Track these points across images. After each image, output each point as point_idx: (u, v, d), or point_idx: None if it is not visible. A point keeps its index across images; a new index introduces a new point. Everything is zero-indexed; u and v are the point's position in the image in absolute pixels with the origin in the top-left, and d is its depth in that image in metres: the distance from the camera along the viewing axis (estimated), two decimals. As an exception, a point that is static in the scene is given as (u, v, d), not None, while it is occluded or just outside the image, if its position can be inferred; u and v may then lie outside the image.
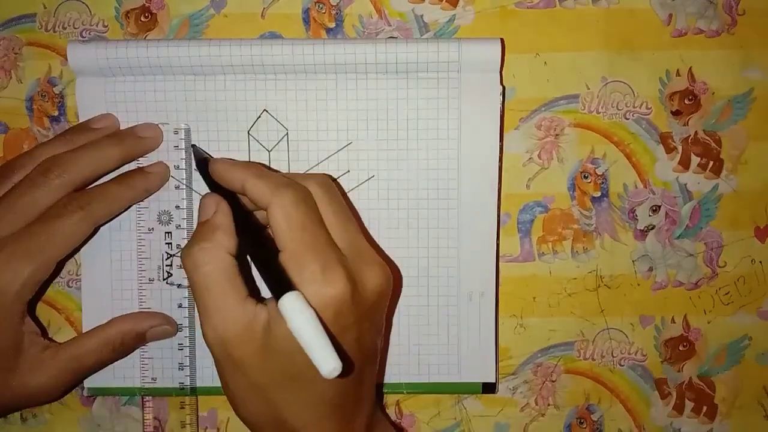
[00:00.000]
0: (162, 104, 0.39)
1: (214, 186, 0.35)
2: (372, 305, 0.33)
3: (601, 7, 0.41)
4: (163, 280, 0.39)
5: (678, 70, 0.41)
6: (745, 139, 0.41)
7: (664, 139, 0.41)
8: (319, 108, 0.39)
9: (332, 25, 0.40)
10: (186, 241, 0.39)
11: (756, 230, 0.41)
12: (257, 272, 0.32)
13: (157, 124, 0.39)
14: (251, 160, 0.39)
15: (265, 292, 0.32)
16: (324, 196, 0.33)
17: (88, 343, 0.37)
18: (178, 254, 0.39)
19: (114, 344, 0.37)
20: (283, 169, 0.40)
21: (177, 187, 0.39)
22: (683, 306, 0.42)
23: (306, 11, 0.40)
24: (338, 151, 0.39)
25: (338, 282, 0.31)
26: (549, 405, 0.42)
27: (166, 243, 0.39)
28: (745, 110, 0.41)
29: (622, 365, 0.42)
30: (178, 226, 0.39)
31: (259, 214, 0.35)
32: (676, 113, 0.41)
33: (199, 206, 0.34)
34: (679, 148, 0.41)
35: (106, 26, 0.40)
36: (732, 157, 0.41)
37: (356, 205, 0.40)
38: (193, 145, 0.39)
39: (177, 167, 0.39)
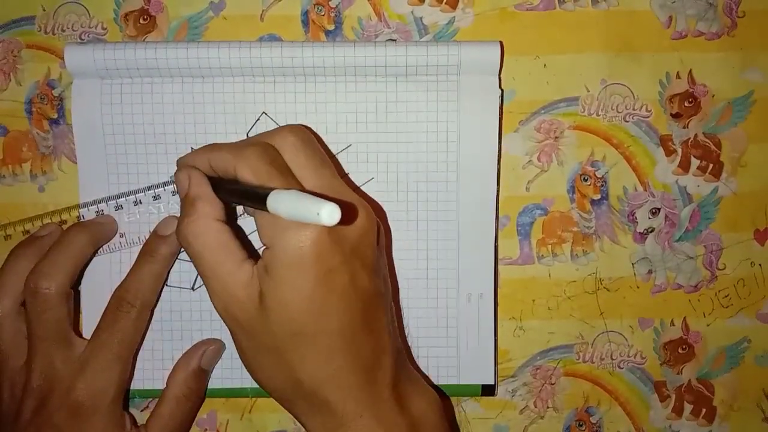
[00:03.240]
0: (159, 107, 0.39)
1: (224, 190, 0.34)
2: (356, 243, 0.31)
3: (601, 9, 0.40)
4: (193, 290, 0.40)
5: (678, 72, 0.41)
6: (745, 141, 0.41)
7: (664, 142, 0.41)
8: (319, 110, 0.39)
9: (331, 27, 0.40)
10: None
11: (756, 233, 0.41)
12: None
13: (108, 216, 0.39)
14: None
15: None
16: (294, 143, 0.32)
17: (165, 417, 0.38)
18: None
19: (185, 396, 0.38)
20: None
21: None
22: (682, 309, 0.42)
23: (305, 13, 0.40)
24: (338, 153, 0.39)
25: (312, 225, 0.29)
26: (548, 407, 0.42)
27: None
28: (745, 113, 0.41)
29: (622, 368, 0.42)
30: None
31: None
32: (675, 116, 0.41)
33: (175, 184, 0.35)
34: (679, 151, 0.41)
35: (105, 29, 0.40)
36: (732, 160, 0.41)
37: None
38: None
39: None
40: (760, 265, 0.41)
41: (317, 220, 0.26)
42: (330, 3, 0.40)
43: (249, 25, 0.40)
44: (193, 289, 0.40)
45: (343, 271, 0.31)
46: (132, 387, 0.40)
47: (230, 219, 0.33)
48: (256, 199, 0.30)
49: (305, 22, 0.40)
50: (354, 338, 0.31)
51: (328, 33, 0.40)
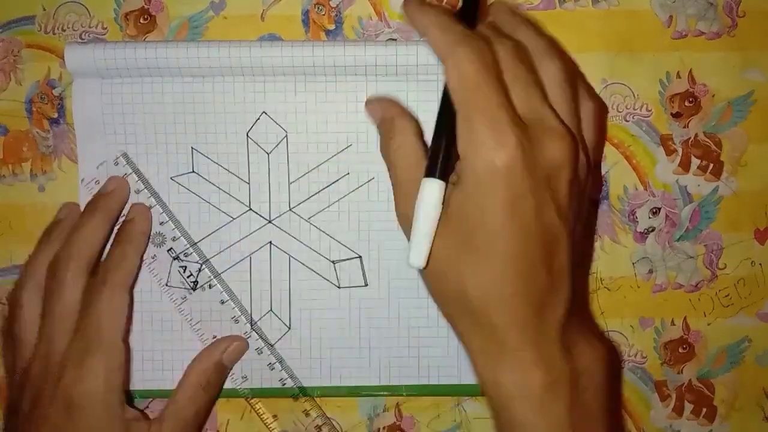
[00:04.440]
0: (159, 106, 0.39)
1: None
2: (550, 175, 0.30)
3: (601, 9, 0.40)
4: (193, 290, 0.39)
5: (678, 72, 0.41)
6: (746, 141, 0.41)
7: (665, 141, 0.41)
8: (319, 110, 0.39)
9: (332, 26, 0.40)
10: (188, 247, 0.39)
11: (756, 232, 0.41)
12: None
13: (114, 176, 0.39)
14: (249, 162, 0.39)
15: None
16: (512, 57, 0.31)
17: (180, 403, 0.37)
18: (191, 260, 0.39)
19: (201, 388, 0.38)
20: (283, 172, 0.39)
21: (150, 207, 0.39)
22: (683, 308, 0.42)
23: (306, 13, 0.40)
24: (338, 153, 0.39)
25: (508, 145, 0.28)
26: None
27: (173, 258, 0.39)
28: (745, 112, 0.41)
29: (622, 367, 0.42)
30: (173, 239, 0.39)
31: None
32: (676, 115, 0.41)
33: (368, 111, 0.37)
34: (680, 150, 0.41)
35: (105, 28, 0.40)
36: (732, 159, 0.41)
37: (356, 207, 0.40)
38: None
39: (137, 191, 0.39)
40: (760, 264, 0.41)
41: (410, 249, 0.31)
42: (330, 2, 0.40)
43: (249, 24, 0.40)
44: (193, 290, 0.39)
45: (531, 200, 0.29)
46: (132, 387, 0.40)
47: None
48: (431, 158, 0.31)
49: (306, 21, 0.40)
50: (530, 269, 0.30)
51: (328, 32, 0.40)
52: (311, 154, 0.39)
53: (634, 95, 0.41)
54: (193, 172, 0.39)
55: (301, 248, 0.40)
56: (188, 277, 0.39)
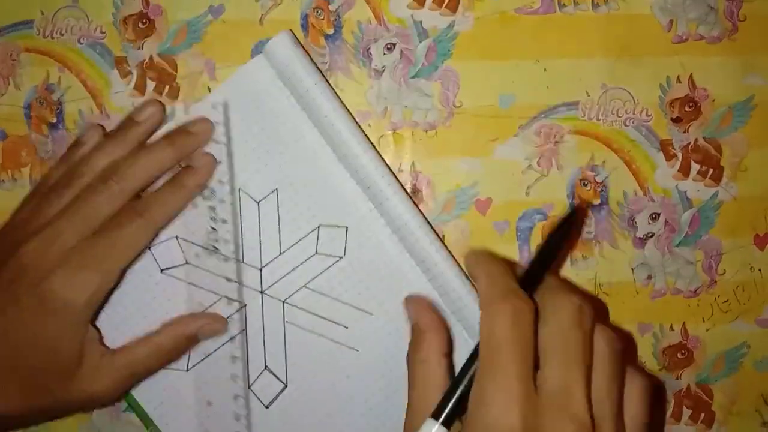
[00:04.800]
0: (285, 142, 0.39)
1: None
2: None
3: (602, 13, 0.40)
4: (212, 253, 0.39)
5: (678, 76, 0.41)
6: (746, 146, 0.41)
7: (664, 146, 0.41)
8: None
9: (331, 31, 0.40)
10: (231, 216, 0.39)
11: (755, 238, 0.41)
12: None
13: (206, 118, 0.38)
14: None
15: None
16: (566, 326, 0.29)
17: (142, 350, 0.37)
18: (224, 228, 0.39)
19: (167, 349, 0.37)
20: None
21: (219, 162, 0.38)
22: (682, 314, 0.42)
23: (305, 17, 0.40)
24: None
25: (510, 419, 0.27)
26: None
27: (210, 217, 0.38)
28: (745, 117, 0.41)
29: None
30: (221, 201, 0.38)
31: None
32: (676, 120, 0.41)
33: (406, 307, 0.36)
34: (679, 156, 0.41)
35: (104, 32, 0.40)
36: (732, 165, 0.41)
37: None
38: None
39: (216, 141, 0.38)
40: (759, 270, 0.41)
41: None
42: (329, 7, 0.40)
43: (248, 29, 0.40)
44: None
45: None
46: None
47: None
48: (440, 402, 0.30)
49: (304, 26, 0.40)
50: None
51: (327, 37, 0.40)
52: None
53: (634, 100, 0.41)
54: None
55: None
56: (214, 241, 0.39)
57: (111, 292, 0.36)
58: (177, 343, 0.37)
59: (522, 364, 0.28)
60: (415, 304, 0.35)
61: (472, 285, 0.37)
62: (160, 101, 0.39)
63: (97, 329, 0.37)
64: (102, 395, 0.36)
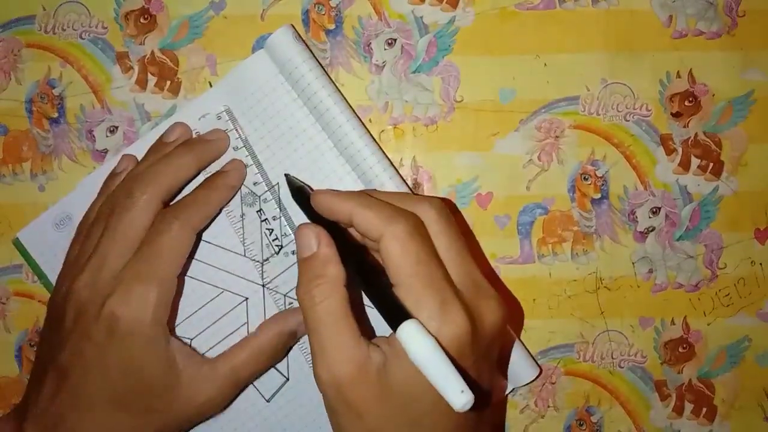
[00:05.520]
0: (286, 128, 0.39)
1: (315, 216, 0.34)
2: (489, 342, 0.31)
3: (602, 9, 0.40)
4: (277, 253, 0.39)
5: (678, 71, 0.41)
6: (746, 140, 0.41)
7: (665, 141, 0.41)
8: None
9: (332, 26, 0.40)
10: (278, 210, 0.39)
11: (756, 232, 0.41)
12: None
13: (219, 129, 0.39)
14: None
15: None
16: (438, 223, 0.31)
17: (243, 354, 0.36)
18: (281, 224, 0.39)
19: (269, 350, 0.37)
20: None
21: (246, 166, 0.38)
22: (683, 308, 0.42)
23: (306, 13, 0.40)
24: None
25: (458, 320, 0.29)
26: (549, 406, 0.42)
27: (262, 220, 0.39)
28: (745, 112, 0.41)
29: (622, 367, 0.42)
30: (264, 200, 0.39)
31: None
32: (676, 115, 0.41)
33: (297, 238, 0.32)
34: (680, 150, 0.41)
35: (106, 28, 0.40)
36: (732, 159, 0.41)
37: None
38: (287, 175, 0.39)
39: (236, 148, 0.39)
40: (760, 264, 0.41)
41: (449, 399, 0.26)
42: (330, 2, 0.40)
43: (249, 24, 0.40)
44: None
45: (472, 371, 0.29)
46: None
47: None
48: (389, 310, 0.29)
49: (306, 21, 0.40)
50: None
51: (328, 32, 0.40)
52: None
53: (633, 95, 0.41)
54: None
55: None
56: (273, 240, 0.39)
57: (175, 302, 0.36)
58: (278, 341, 0.37)
59: (442, 266, 0.30)
60: (312, 231, 0.32)
61: None
62: (186, 124, 0.39)
63: (181, 340, 0.36)
64: (209, 404, 0.35)
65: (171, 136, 0.38)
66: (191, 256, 0.39)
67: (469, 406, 0.26)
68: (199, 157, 0.37)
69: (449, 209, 0.32)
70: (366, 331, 0.31)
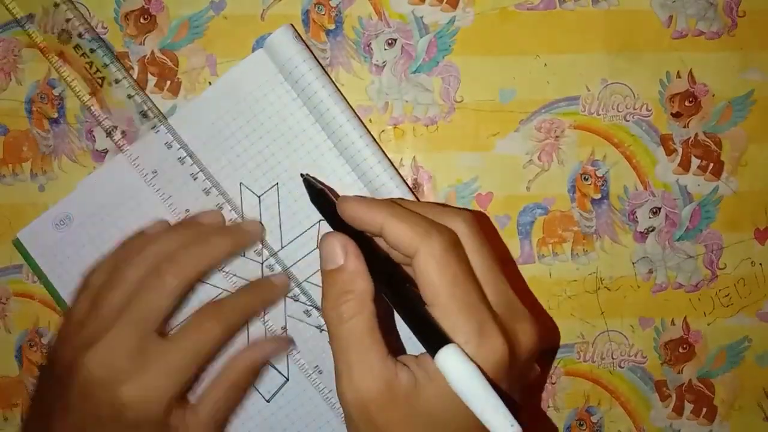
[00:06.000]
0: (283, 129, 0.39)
1: (337, 222, 0.32)
2: (524, 365, 0.30)
3: (602, 9, 0.40)
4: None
5: (678, 71, 0.41)
6: (746, 141, 0.41)
7: (665, 141, 0.41)
8: None
9: (332, 26, 0.40)
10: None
11: (756, 232, 0.41)
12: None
13: (257, 221, 0.39)
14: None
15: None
16: (472, 239, 0.30)
17: (218, 394, 0.36)
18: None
19: (242, 384, 0.37)
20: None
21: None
22: (683, 308, 0.42)
23: (306, 13, 0.40)
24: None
25: (496, 345, 0.28)
26: (549, 406, 0.42)
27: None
28: (745, 112, 0.41)
29: (622, 367, 0.42)
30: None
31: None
32: (676, 115, 0.41)
33: (321, 249, 0.31)
34: (680, 150, 0.41)
35: (106, 28, 0.40)
36: (732, 159, 0.41)
37: None
38: (305, 176, 0.38)
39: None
40: (760, 264, 0.41)
41: (492, 428, 0.25)
42: (330, 2, 0.40)
43: (249, 24, 0.40)
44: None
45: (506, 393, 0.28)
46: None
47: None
48: (426, 332, 0.27)
49: (306, 21, 0.40)
50: None
51: (328, 32, 0.40)
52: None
53: (634, 95, 0.41)
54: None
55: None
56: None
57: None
58: (249, 374, 0.37)
59: (478, 286, 0.29)
60: (339, 242, 0.30)
61: None
62: (221, 213, 0.38)
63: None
64: None
65: (206, 219, 0.37)
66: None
67: None
68: (234, 242, 0.37)
69: (480, 223, 0.31)
70: (393, 346, 0.29)
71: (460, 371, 0.26)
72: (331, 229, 0.33)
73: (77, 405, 0.33)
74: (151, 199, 0.39)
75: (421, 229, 0.29)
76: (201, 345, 0.34)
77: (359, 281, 0.29)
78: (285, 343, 0.39)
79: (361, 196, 0.32)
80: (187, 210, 0.39)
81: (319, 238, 0.39)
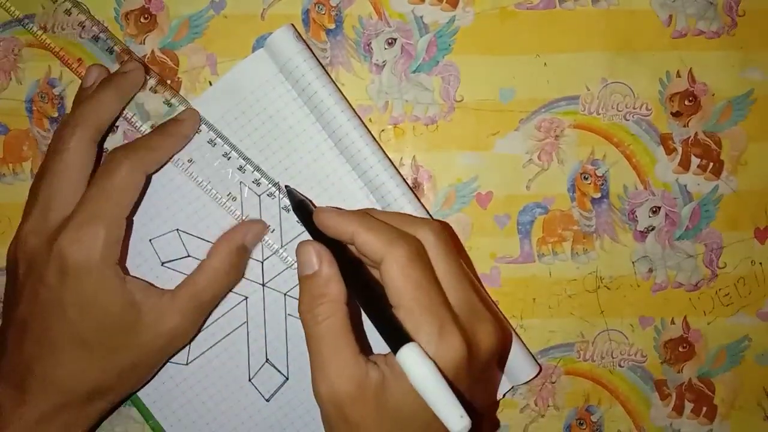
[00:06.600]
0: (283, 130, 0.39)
1: (316, 231, 0.34)
2: (484, 366, 0.32)
3: (601, 8, 0.40)
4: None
5: (678, 71, 0.41)
6: (745, 140, 0.41)
7: (664, 140, 0.41)
8: None
9: (332, 26, 0.40)
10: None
11: (756, 231, 0.41)
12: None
13: (134, 62, 0.38)
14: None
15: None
16: (437, 246, 0.32)
17: (201, 278, 0.36)
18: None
19: (224, 270, 0.37)
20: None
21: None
22: (683, 307, 0.42)
23: (306, 12, 0.40)
24: None
25: (456, 344, 0.30)
26: (549, 406, 0.42)
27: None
28: (745, 111, 0.41)
29: (622, 366, 0.42)
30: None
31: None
32: (676, 114, 0.41)
33: (298, 256, 0.33)
34: (679, 149, 0.41)
35: (106, 27, 0.40)
36: (732, 158, 0.41)
37: None
38: (287, 187, 0.39)
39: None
40: (760, 263, 0.41)
41: (448, 423, 0.27)
42: (330, 2, 0.40)
43: (250, 24, 0.40)
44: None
45: (466, 394, 0.30)
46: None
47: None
48: (390, 332, 0.29)
49: (306, 21, 0.40)
50: None
51: (328, 32, 0.40)
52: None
53: (633, 94, 0.41)
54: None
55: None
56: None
57: (125, 244, 0.36)
58: (231, 260, 0.37)
59: (441, 290, 0.31)
60: (314, 249, 0.32)
61: None
62: (101, 65, 0.39)
63: (138, 278, 0.36)
64: (176, 333, 0.36)
65: (89, 80, 0.38)
66: (191, 255, 0.39)
67: (466, 431, 0.27)
68: (118, 90, 0.37)
69: (447, 233, 0.33)
70: (364, 346, 0.31)
71: (418, 367, 0.28)
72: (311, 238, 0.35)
73: (25, 279, 0.34)
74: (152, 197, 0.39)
75: (387, 238, 0.31)
76: (118, 187, 0.34)
77: (332, 285, 0.31)
78: (262, 224, 0.39)
79: (335, 208, 0.34)
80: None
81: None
